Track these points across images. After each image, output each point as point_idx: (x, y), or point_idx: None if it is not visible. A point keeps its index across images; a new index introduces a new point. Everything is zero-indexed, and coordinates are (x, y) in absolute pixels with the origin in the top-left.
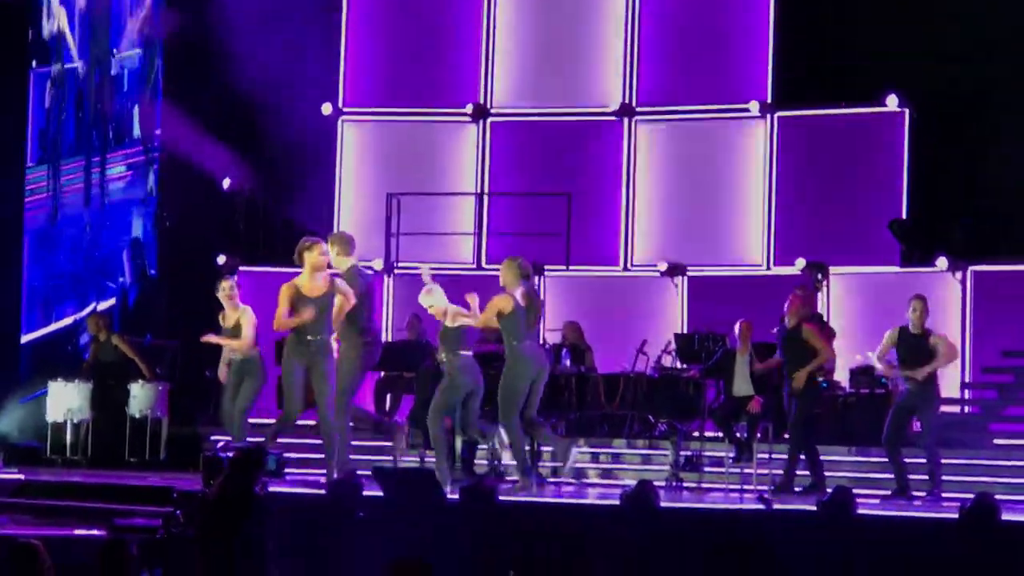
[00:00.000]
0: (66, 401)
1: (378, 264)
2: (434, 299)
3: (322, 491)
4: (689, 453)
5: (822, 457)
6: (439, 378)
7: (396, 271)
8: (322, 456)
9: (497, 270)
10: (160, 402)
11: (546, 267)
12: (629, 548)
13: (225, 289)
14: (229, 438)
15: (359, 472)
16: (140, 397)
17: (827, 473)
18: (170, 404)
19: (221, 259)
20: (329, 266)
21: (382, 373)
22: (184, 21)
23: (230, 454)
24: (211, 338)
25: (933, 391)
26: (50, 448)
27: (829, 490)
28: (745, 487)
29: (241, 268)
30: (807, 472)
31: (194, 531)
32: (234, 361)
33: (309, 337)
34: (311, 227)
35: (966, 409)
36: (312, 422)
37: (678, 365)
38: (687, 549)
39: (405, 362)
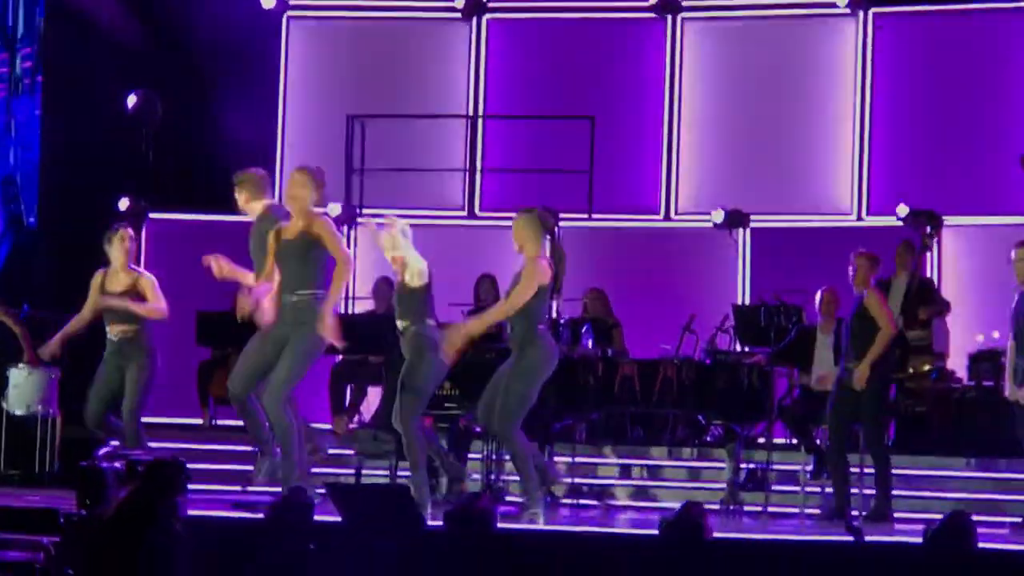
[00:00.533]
0: None
1: (335, 209)
2: (394, 243)
3: (259, 514)
4: (752, 466)
5: (929, 472)
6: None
7: (359, 219)
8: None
9: (495, 219)
10: (49, 395)
11: (561, 216)
12: None
13: (118, 240)
14: (117, 443)
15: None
16: (23, 388)
17: (938, 493)
18: (61, 398)
19: (123, 203)
20: None
21: (339, 357)
22: None
23: (118, 465)
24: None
25: None
26: None
27: (936, 515)
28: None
29: (150, 215)
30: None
31: (80, 562)
32: (112, 342)
33: None
34: (244, 161)
35: None
36: (231, 423)
37: (737, 347)
38: None
39: (370, 342)
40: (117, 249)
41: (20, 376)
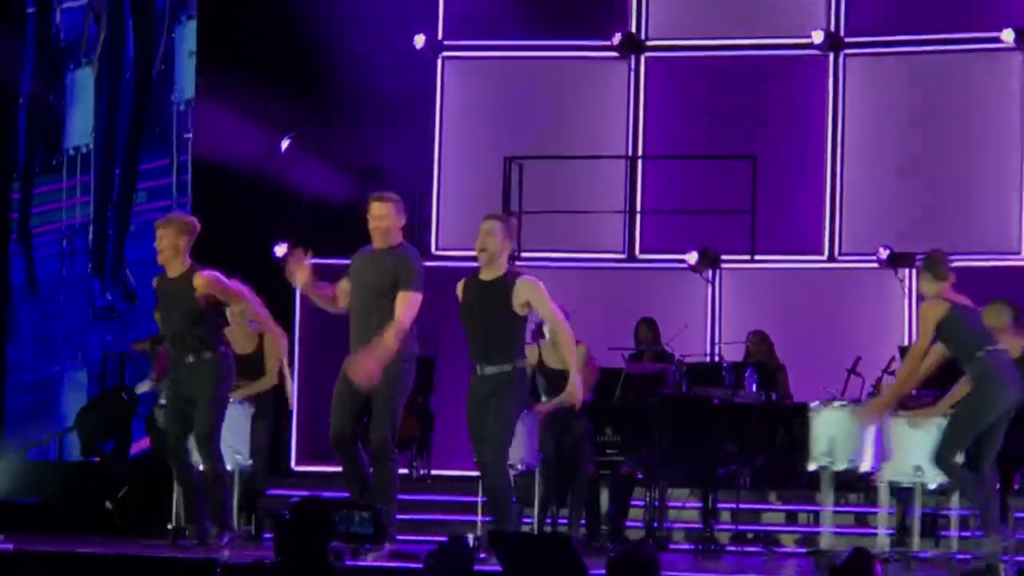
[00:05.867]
0: None
1: None
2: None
3: (417, 564)
4: (922, 511)
5: None
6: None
7: (519, 263)
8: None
9: (655, 261)
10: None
11: (723, 257)
12: None
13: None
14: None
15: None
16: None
17: None
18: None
19: (280, 249)
20: None
21: None
22: None
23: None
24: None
25: None
26: None
27: None
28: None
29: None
30: None
31: None
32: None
33: None
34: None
35: None
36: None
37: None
38: None
39: None
40: None
41: None
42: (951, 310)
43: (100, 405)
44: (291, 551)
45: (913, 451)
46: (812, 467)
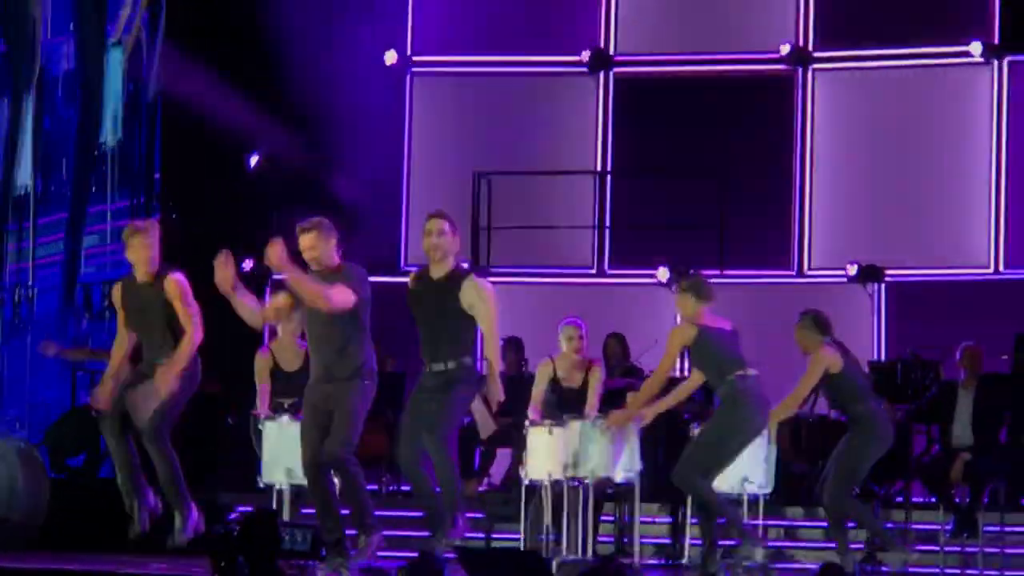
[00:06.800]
0: None
1: None
2: None
3: None
4: (891, 525)
5: None
6: None
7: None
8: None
9: (623, 276)
10: None
11: (692, 272)
12: None
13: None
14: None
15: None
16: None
17: None
18: None
19: (247, 264)
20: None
21: (468, 420)
22: None
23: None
24: None
25: None
26: None
27: None
28: (967, 572)
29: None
30: None
31: None
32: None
33: None
34: (370, 217)
35: None
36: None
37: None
38: None
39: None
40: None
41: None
42: (700, 333)
43: (70, 420)
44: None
45: (740, 462)
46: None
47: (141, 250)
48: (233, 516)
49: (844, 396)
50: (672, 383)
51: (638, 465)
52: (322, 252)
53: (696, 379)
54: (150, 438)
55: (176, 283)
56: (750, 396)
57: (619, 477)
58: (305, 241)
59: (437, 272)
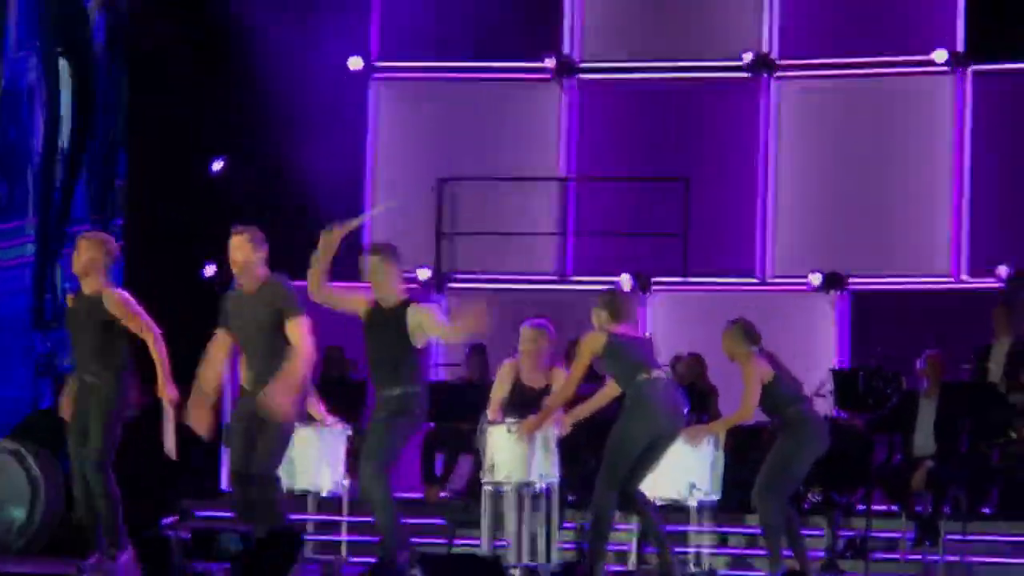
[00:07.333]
0: None
1: (423, 274)
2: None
3: None
4: (851, 534)
5: None
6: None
7: (451, 284)
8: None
9: (587, 283)
10: None
11: (655, 280)
12: None
13: None
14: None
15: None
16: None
17: None
18: None
19: (210, 270)
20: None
21: (431, 425)
22: None
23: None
24: None
25: None
26: None
27: None
28: None
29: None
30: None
31: None
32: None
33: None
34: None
35: None
36: None
37: (834, 413)
38: None
39: (462, 410)
40: None
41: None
42: (610, 341)
43: (36, 421)
44: None
45: (687, 468)
46: (486, 483)
47: (86, 259)
48: (167, 521)
49: (777, 402)
50: None
51: (556, 471)
52: (247, 259)
53: (614, 387)
54: (96, 467)
55: (115, 298)
56: (656, 399)
57: (538, 483)
58: (235, 241)
59: (384, 301)
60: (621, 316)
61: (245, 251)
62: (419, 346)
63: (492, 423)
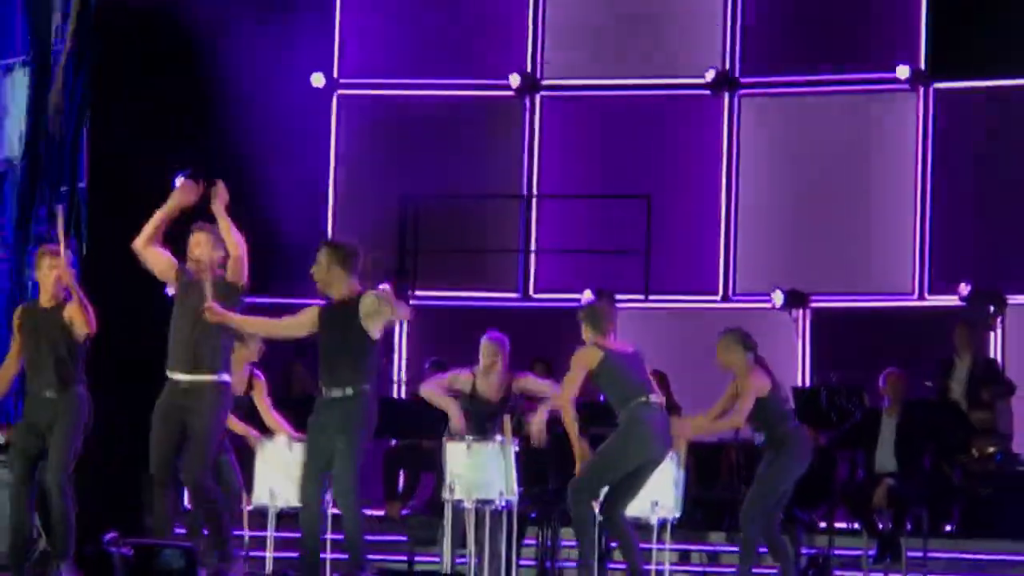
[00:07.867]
0: None
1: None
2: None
3: None
4: (813, 551)
5: (994, 556)
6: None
7: (413, 302)
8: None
9: (550, 301)
10: None
11: (617, 297)
12: None
13: None
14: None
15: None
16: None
17: None
18: None
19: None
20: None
21: (393, 442)
22: None
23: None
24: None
25: None
26: None
27: None
28: None
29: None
30: None
31: None
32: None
33: None
34: (294, 240)
35: None
36: None
37: None
38: None
39: (423, 427)
40: None
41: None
42: (607, 357)
43: None
44: None
45: (650, 486)
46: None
47: (49, 272)
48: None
49: (770, 418)
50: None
51: (515, 488)
52: (205, 256)
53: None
54: (56, 481)
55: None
56: (650, 425)
57: (498, 500)
58: (194, 239)
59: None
60: (604, 326)
61: (204, 244)
62: (375, 336)
63: (449, 439)
